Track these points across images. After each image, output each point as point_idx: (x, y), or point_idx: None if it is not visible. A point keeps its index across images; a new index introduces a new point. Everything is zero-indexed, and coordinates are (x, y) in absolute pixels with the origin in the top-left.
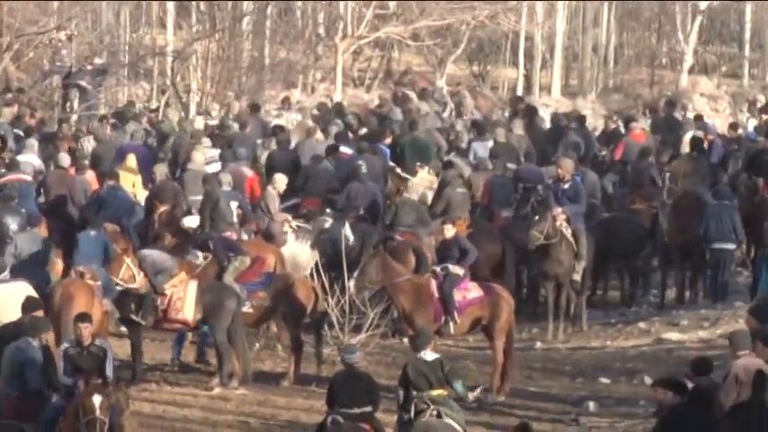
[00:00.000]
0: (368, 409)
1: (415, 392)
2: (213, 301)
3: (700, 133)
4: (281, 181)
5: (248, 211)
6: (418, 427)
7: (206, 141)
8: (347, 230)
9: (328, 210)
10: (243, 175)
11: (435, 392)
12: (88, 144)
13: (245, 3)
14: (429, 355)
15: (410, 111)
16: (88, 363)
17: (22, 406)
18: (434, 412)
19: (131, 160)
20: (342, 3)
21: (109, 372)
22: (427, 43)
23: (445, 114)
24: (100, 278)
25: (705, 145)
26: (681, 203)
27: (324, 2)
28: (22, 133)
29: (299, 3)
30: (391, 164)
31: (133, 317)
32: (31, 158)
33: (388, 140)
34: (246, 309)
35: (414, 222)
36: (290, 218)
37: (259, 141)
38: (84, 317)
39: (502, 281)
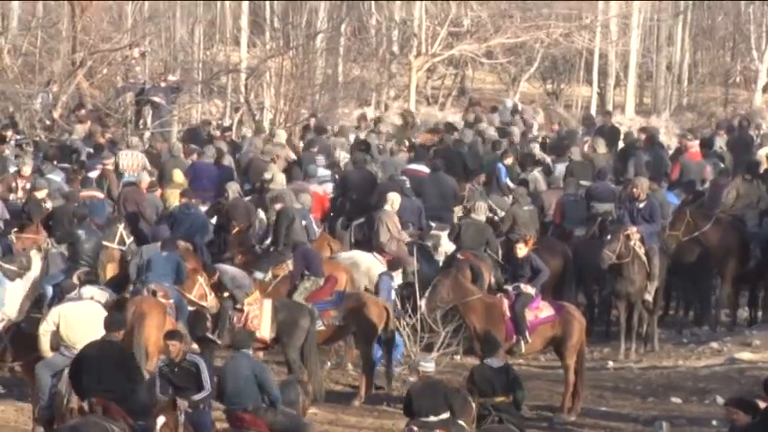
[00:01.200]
0: (446, 416)
1: (479, 398)
2: (287, 319)
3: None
4: (395, 200)
5: (313, 231)
6: None
7: (320, 159)
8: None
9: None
10: (311, 193)
11: (498, 399)
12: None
13: (319, 20)
14: (496, 362)
15: (480, 132)
16: (183, 379)
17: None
18: (496, 418)
19: (178, 176)
20: (416, 20)
21: (207, 385)
22: (501, 61)
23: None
24: (172, 296)
25: None
26: (717, 227)
27: (398, 20)
28: (92, 150)
29: (374, 20)
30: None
31: (209, 335)
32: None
33: (509, 161)
34: (318, 327)
35: (477, 244)
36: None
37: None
38: (173, 334)
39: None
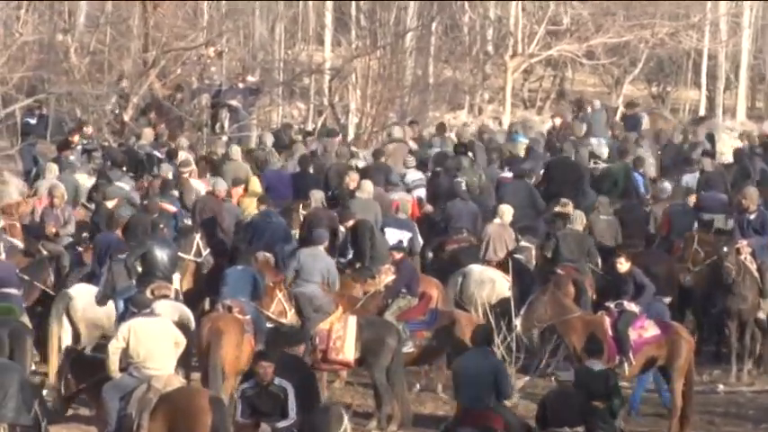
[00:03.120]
0: (580, 429)
1: None
2: (373, 338)
3: None
4: (507, 213)
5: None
6: None
7: (410, 160)
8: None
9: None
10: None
11: (595, 404)
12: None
13: (409, 17)
14: (597, 364)
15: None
16: (268, 404)
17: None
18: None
19: (255, 184)
20: (512, 18)
21: (292, 413)
22: (603, 62)
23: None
24: (249, 312)
25: None
26: None
27: (493, 17)
28: (160, 155)
29: (467, 18)
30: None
31: None
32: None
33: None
34: (408, 348)
35: (577, 256)
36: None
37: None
38: (264, 355)
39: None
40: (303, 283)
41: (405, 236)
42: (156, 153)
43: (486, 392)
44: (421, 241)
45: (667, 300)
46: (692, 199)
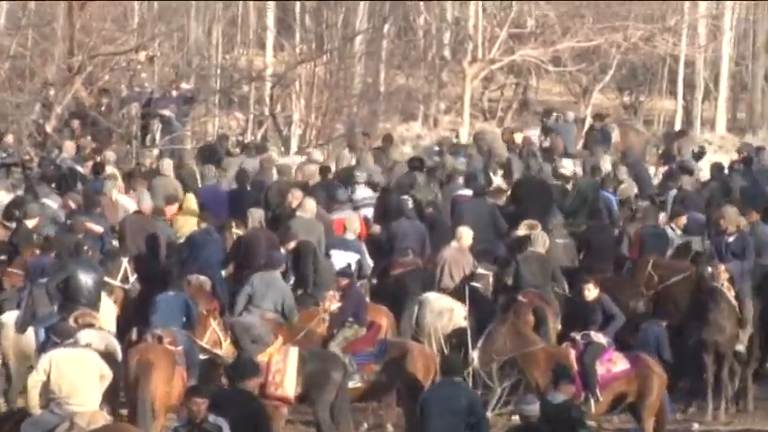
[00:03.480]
0: None
1: None
2: (316, 371)
3: None
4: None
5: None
6: None
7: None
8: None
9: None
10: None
11: None
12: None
13: (359, 19)
14: (558, 396)
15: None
16: None
17: None
18: None
19: (191, 201)
20: (471, 20)
21: None
22: (570, 69)
23: None
24: (181, 343)
25: None
26: None
27: (450, 20)
28: (82, 169)
29: (422, 20)
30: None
31: None
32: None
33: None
34: (355, 383)
35: (540, 280)
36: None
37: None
38: (197, 390)
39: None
40: (253, 310)
41: (352, 258)
42: (78, 167)
43: (458, 426)
44: (371, 263)
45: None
46: (664, 219)
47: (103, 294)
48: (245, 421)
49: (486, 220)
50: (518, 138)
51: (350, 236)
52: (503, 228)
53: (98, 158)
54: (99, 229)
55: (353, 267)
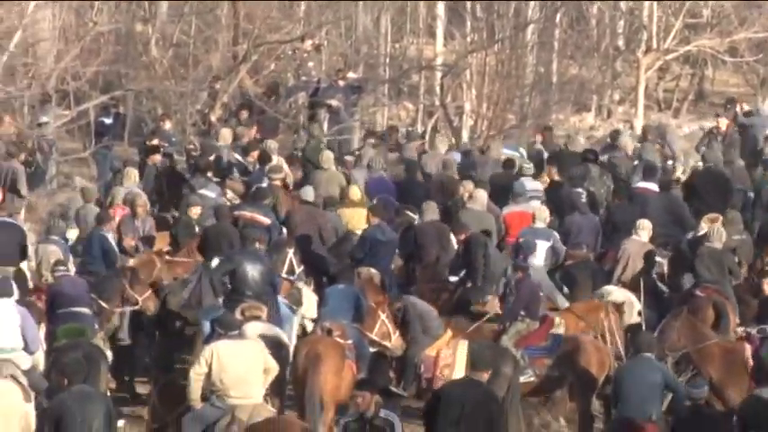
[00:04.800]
0: None
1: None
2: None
3: None
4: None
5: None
6: None
7: (527, 168)
8: None
9: None
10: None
11: None
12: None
13: (530, 9)
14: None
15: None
16: None
17: None
18: None
19: (355, 192)
20: (646, 10)
21: None
22: (747, 59)
23: None
24: (351, 336)
25: None
26: None
27: (624, 9)
28: (238, 157)
29: (595, 9)
30: None
31: (392, 388)
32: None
33: None
34: (527, 378)
35: (717, 276)
36: None
37: None
38: (364, 383)
39: None
40: None
41: (544, 246)
42: (238, 156)
43: (652, 403)
44: (563, 248)
45: None
46: None
47: (302, 285)
48: (477, 411)
49: (671, 215)
50: (722, 123)
51: (539, 224)
52: (689, 223)
53: (258, 148)
54: (266, 220)
55: (545, 255)
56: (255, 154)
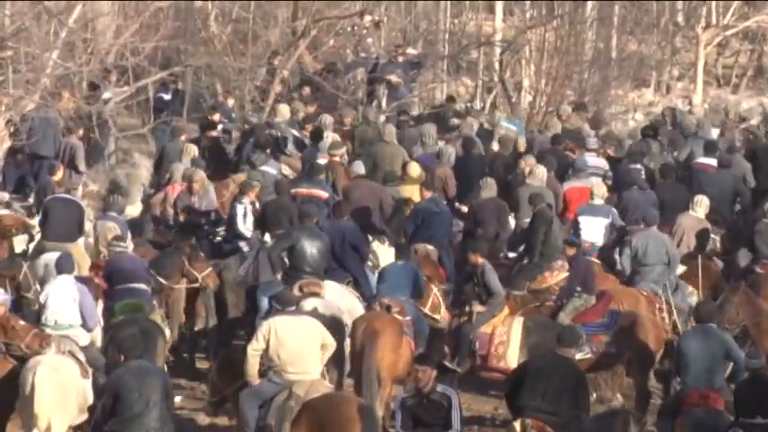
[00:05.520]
0: None
1: None
2: (541, 343)
3: None
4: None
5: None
6: None
7: (591, 141)
8: None
9: None
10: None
11: None
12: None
13: None
14: None
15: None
16: (430, 414)
17: None
18: None
19: (414, 168)
20: None
21: (455, 424)
22: None
23: None
24: (410, 312)
25: None
26: None
27: None
28: (296, 134)
29: None
30: None
31: (447, 364)
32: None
33: None
34: (584, 354)
35: None
36: None
37: None
38: (424, 358)
39: None
40: None
41: (601, 223)
42: (295, 132)
43: (715, 371)
44: (622, 223)
45: None
46: None
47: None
48: (562, 386)
49: (729, 193)
50: None
51: (598, 201)
52: (746, 201)
53: (316, 123)
54: (324, 194)
55: (604, 232)
56: (309, 128)
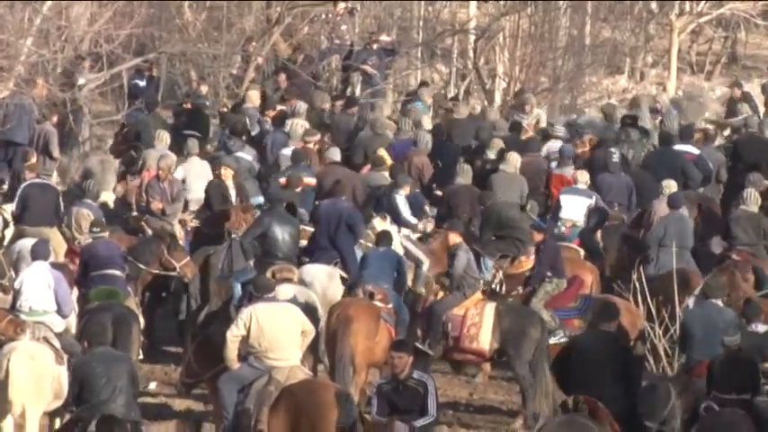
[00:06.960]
0: (746, 396)
1: None
2: (513, 327)
3: None
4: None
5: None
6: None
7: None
8: None
9: None
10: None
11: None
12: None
13: None
14: (761, 326)
15: None
16: (406, 400)
17: None
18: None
19: (383, 155)
20: None
21: (431, 410)
22: None
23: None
24: (392, 300)
25: None
26: None
27: None
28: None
29: None
30: None
31: (419, 346)
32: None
33: None
34: (557, 339)
35: (753, 239)
36: None
37: None
38: (400, 345)
39: None
40: None
41: (584, 203)
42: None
43: (718, 346)
44: (604, 206)
45: None
46: None
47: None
48: (610, 362)
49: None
50: (735, 92)
51: (581, 186)
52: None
53: (282, 108)
54: (312, 180)
55: (585, 212)
56: (271, 114)
